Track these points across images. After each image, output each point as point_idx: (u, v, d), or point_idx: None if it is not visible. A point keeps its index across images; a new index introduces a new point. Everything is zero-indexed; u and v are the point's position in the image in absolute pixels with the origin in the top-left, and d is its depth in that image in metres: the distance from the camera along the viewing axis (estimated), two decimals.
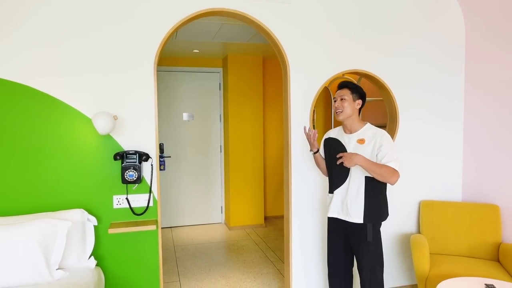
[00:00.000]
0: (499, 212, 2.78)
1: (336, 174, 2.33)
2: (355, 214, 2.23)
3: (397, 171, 2.12)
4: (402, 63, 2.98)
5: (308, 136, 2.37)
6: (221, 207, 5.31)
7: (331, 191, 2.37)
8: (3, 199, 2.24)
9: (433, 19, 3.04)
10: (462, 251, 2.82)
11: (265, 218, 5.41)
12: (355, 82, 3.83)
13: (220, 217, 5.32)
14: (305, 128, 2.40)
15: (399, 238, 3.06)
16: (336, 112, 2.29)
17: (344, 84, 2.31)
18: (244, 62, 4.92)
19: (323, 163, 2.47)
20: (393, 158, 2.14)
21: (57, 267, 2.06)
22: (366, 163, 2.09)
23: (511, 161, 2.72)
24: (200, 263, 3.81)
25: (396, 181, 2.13)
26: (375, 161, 2.17)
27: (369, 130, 2.26)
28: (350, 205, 2.25)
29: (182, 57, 5.00)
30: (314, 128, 2.79)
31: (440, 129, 3.11)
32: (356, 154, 2.09)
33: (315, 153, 2.43)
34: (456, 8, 3.08)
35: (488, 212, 2.80)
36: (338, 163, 2.17)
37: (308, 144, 2.48)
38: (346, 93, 2.26)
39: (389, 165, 2.12)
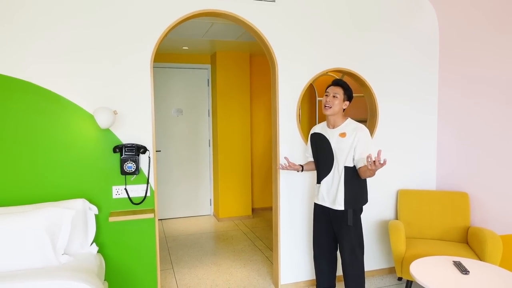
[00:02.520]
0: (468, 199, 3.04)
1: (322, 166, 2.54)
2: (338, 202, 2.44)
3: None
4: (382, 62, 3.21)
5: (286, 167, 2.60)
6: (210, 199, 5.48)
7: (318, 181, 2.57)
8: (10, 190, 2.37)
9: (409, 19, 3.27)
10: (435, 234, 3.08)
11: (253, 210, 5.60)
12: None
13: (209, 209, 5.49)
14: (281, 165, 2.63)
15: (379, 225, 3.30)
16: (325, 107, 2.45)
17: (339, 83, 2.47)
18: (232, 59, 5.08)
19: (311, 167, 2.70)
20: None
21: (63, 253, 2.20)
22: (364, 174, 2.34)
23: (479, 153, 2.99)
24: (191, 252, 3.98)
25: None
26: (353, 152, 2.39)
27: (350, 125, 2.47)
28: (333, 193, 2.46)
29: (171, 53, 5.12)
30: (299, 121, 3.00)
31: (416, 123, 3.35)
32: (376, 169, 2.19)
33: (302, 171, 2.68)
34: (429, 8, 3.32)
35: (458, 199, 3.07)
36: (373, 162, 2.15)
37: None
38: (340, 92, 2.43)
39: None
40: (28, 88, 2.37)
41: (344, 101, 2.45)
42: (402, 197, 3.22)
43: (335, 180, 2.46)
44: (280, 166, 2.65)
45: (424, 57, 3.34)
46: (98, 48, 2.49)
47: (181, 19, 2.66)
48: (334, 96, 2.43)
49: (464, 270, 2.18)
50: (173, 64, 5.18)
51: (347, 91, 2.45)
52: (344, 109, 2.49)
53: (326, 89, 2.51)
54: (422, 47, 3.33)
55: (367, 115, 3.39)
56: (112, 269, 2.59)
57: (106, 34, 2.50)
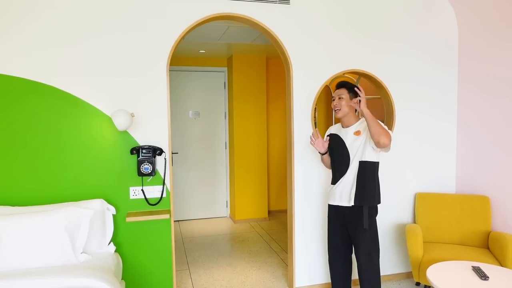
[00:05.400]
0: (489, 203, 2.96)
1: (339, 166, 2.52)
2: (350, 197, 2.43)
3: (389, 133, 2.30)
4: (398, 63, 3.17)
5: (315, 143, 2.53)
6: (226, 201, 5.52)
7: (334, 182, 2.55)
8: (32, 190, 2.45)
9: (427, 19, 3.22)
10: (454, 239, 3.01)
11: (269, 212, 5.60)
12: (355, 81, 4.03)
13: (225, 211, 5.52)
14: (312, 137, 2.55)
15: (396, 229, 3.25)
16: (335, 110, 2.51)
17: (342, 84, 2.52)
18: (249, 62, 5.11)
19: (327, 160, 2.66)
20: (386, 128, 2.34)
21: (81, 251, 2.27)
22: (370, 114, 2.27)
23: (501, 155, 2.91)
24: (207, 253, 4.01)
25: (389, 142, 2.27)
26: (369, 144, 2.38)
27: (363, 123, 2.47)
28: (348, 190, 2.45)
29: (188, 57, 5.20)
30: (316, 126, 2.99)
31: (435, 125, 3.29)
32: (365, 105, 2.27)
33: (323, 154, 2.62)
34: (449, 8, 3.26)
35: (479, 202, 2.99)
36: (357, 102, 2.32)
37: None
38: (344, 92, 2.47)
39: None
40: (48, 91, 2.46)
41: (351, 99, 2.47)
42: (420, 200, 3.16)
43: (350, 177, 2.45)
44: (311, 139, 2.56)
45: (443, 55, 3.27)
46: (116, 52, 2.56)
47: (197, 23, 2.70)
48: (339, 98, 2.47)
49: (483, 276, 2.12)
50: (190, 67, 5.25)
51: (350, 90, 2.48)
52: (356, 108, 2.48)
53: (332, 95, 2.55)
54: (441, 46, 3.26)
55: (384, 117, 3.35)
56: (129, 269, 2.65)
57: (123, 38, 2.57)
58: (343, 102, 2.46)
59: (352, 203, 2.41)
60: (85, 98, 2.52)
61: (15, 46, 2.39)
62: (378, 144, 2.28)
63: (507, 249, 2.56)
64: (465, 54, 3.23)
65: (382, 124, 2.35)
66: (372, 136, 2.29)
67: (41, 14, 2.43)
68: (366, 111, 2.28)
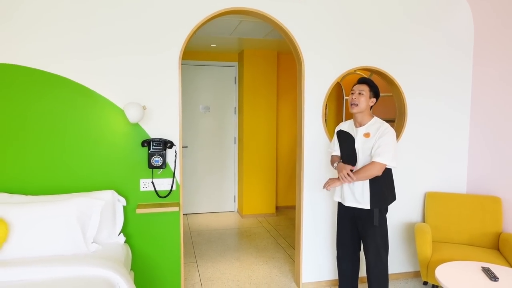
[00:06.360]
0: (500, 203, 2.92)
1: (346, 164, 2.51)
2: (364, 201, 2.41)
3: (379, 164, 2.30)
4: (411, 60, 3.13)
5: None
6: (235, 196, 5.54)
7: None
8: (44, 180, 2.49)
9: (442, 16, 3.17)
10: (464, 239, 2.98)
11: (276, 208, 5.61)
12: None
13: (233, 206, 5.55)
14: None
15: (405, 227, 3.23)
16: (351, 105, 2.43)
17: (365, 80, 2.45)
18: (260, 57, 5.10)
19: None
20: (383, 152, 2.30)
21: (92, 241, 2.30)
22: (357, 176, 2.33)
23: None
24: (215, 247, 4.04)
25: (378, 171, 2.32)
26: (371, 149, 2.36)
27: (375, 124, 2.42)
28: (359, 193, 2.43)
29: (200, 51, 5.20)
30: (326, 123, 2.97)
31: (447, 123, 3.25)
32: (348, 175, 2.33)
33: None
34: (465, 6, 3.20)
35: (490, 203, 2.95)
36: (328, 189, 2.44)
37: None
38: (365, 89, 2.41)
39: (374, 159, 2.30)
40: (62, 82, 2.49)
41: (370, 98, 2.42)
42: (430, 199, 3.13)
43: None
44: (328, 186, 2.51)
45: (456, 53, 3.23)
46: (129, 46, 2.58)
47: (209, 17, 2.70)
48: (359, 94, 2.40)
49: (493, 277, 2.10)
50: (202, 62, 5.26)
51: (373, 88, 2.43)
52: (371, 107, 2.46)
53: (352, 88, 2.49)
54: (455, 43, 3.22)
55: (395, 115, 3.32)
56: (138, 259, 2.68)
57: (137, 32, 2.58)
58: (363, 99, 2.39)
59: (367, 207, 2.39)
60: (98, 91, 2.54)
61: (39, 37, 2.43)
62: None
63: None
64: (480, 51, 3.18)
65: (379, 154, 2.31)
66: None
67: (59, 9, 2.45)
68: (354, 178, 2.32)
